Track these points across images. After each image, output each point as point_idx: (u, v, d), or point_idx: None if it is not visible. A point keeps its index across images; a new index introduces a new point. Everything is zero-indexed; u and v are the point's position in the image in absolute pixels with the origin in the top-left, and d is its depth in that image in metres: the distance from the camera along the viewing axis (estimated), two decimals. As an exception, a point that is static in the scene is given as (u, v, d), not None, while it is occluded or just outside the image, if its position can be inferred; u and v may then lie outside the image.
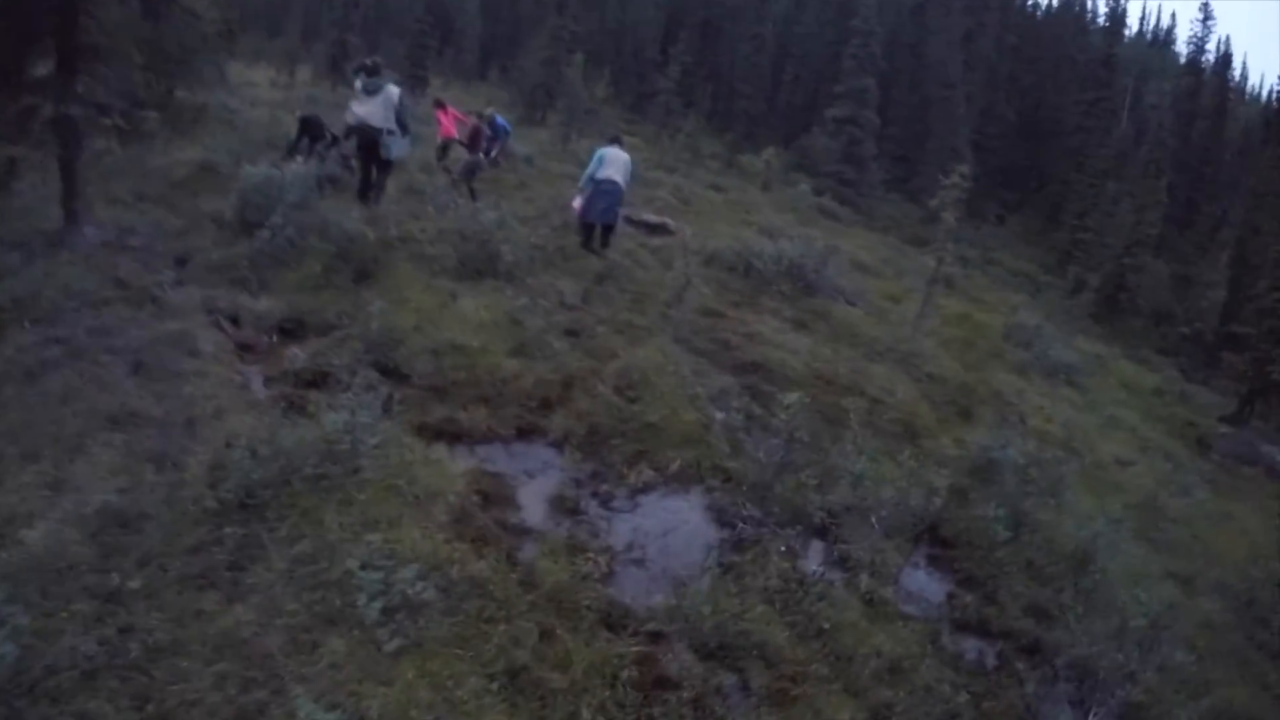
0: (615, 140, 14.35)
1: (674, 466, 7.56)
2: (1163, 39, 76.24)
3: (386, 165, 12.75)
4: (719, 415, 8.55)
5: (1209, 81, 54.15)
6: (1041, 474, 9.29)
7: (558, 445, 7.72)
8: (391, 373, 8.15)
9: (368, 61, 12.95)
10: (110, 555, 4.97)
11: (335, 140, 15.00)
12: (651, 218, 17.73)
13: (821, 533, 7.35)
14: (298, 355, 8.14)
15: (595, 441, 7.75)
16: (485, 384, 8.26)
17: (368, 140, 12.25)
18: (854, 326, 13.90)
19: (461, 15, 65.42)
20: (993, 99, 48.51)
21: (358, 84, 12.33)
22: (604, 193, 13.48)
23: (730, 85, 51.46)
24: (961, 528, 8.13)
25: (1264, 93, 66.47)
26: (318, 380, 7.75)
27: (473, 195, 15.26)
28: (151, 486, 5.59)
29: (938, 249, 16.34)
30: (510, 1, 68.12)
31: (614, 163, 13.57)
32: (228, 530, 5.24)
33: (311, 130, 15.28)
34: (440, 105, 18.98)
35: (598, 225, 13.73)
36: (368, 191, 12.78)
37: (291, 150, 15.00)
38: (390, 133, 12.16)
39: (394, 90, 12.26)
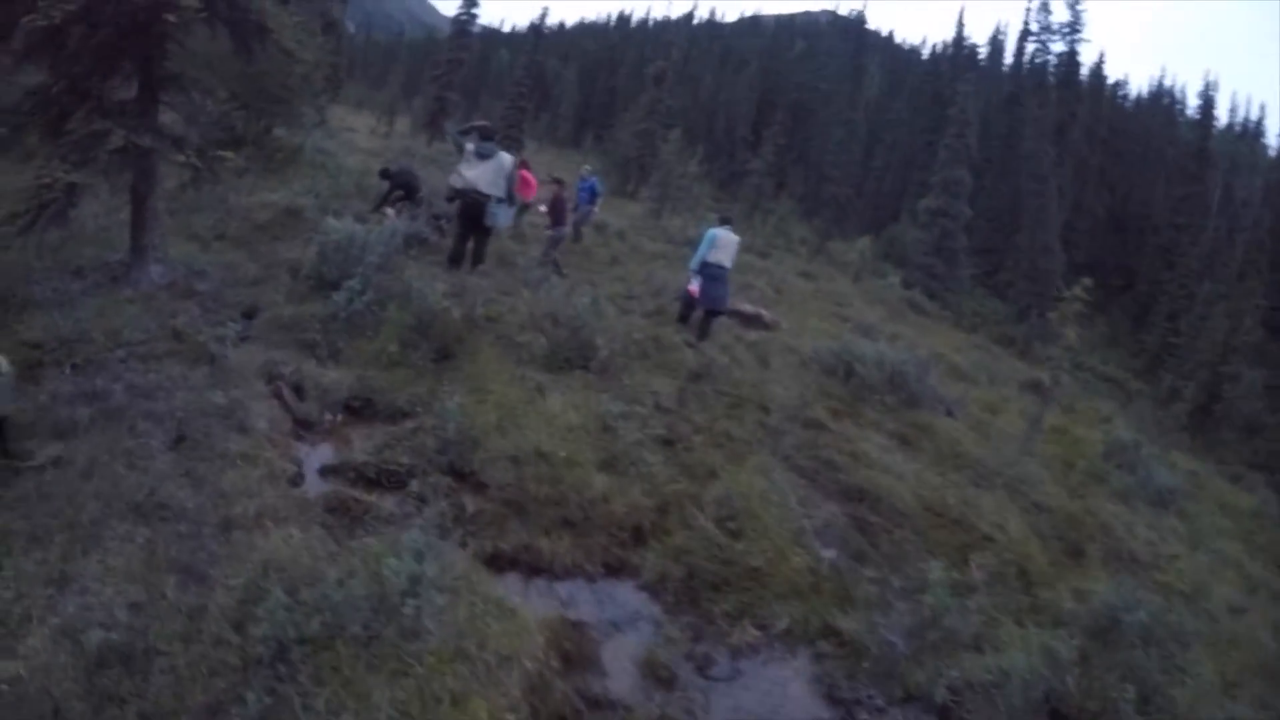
0: (727, 221, 13.65)
1: (781, 624, 6.47)
2: (1253, 131, 73.72)
3: (487, 233, 12.19)
4: (826, 554, 7.54)
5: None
6: (1165, 633, 8.07)
7: (651, 589, 6.62)
8: (466, 478, 7.20)
9: (483, 124, 12.40)
10: (105, 706, 4.14)
11: (422, 200, 14.54)
12: (747, 307, 16.93)
13: (944, 713, 6.41)
14: (361, 443, 7.40)
15: (693, 588, 6.65)
16: (571, 504, 7.14)
17: (473, 206, 11.67)
18: (957, 444, 12.70)
19: (559, 83, 66.44)
20: (1082, 192, 47.10)
21: (469, 147, 11.72)
22: (712, 278, 12.88)
23: (820, 170, 50.90)
24: (1086, 705, 7.09)
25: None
26: (382, 479, 6.86)
27: (558, 270, 14.47)
28: (169, 609, 4.73)
29: (1054, 367, 15.23)
30: (608, 73, 68.86)
31: (726, 246, 13.01)
32: (252, 692, 4.23)
33: (404, 185, 14.72)
34: (525, 166, 18.47)
35: (702, 310, 13.06)
36: (460, 259, 12.09)
37: (381, 203, 14.48)
38: (499, 201, 11.64)
39: (506, 158, 11.78)
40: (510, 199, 12.01)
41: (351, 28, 39.79)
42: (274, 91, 16.42)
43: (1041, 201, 38.79)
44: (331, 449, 7.31)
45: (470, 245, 12.23)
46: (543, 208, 16.40)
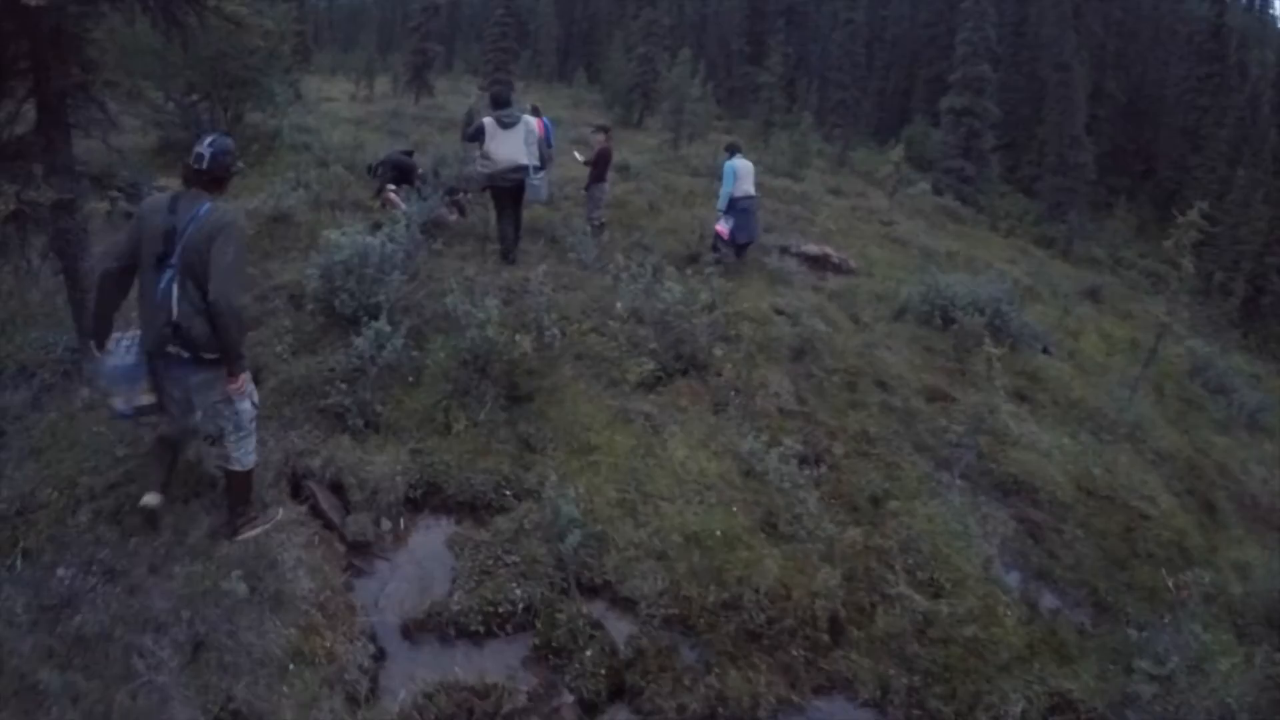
0: (736, 149, 12.67)
1: (1015, 708, 5.13)
2: (1259, 2, 69.80)
3: (520, 209, 10.21)
4: (1013, 580, 6.65)
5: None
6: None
7: (875, 705, 5.08)
8: (600, 592, 5.15)
9: (497, 88, 10.40)
10: None
11: (424, 176, 12.02)
12: (813, 248, 14.53)
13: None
14: (445, 567, 5.18)
15: (914, 688, 5.20)
16: (748, 606, 5.18)
17: (515, 187, 9.65)
18: (1068, 390, 11.89)
19: (534, 16, 62.58)
20: (1100, 78, 43.94)
21: (486, 120, 9.49)
22: (744, 210, 12.06)
23: (822, 76, 47.62)
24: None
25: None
26: (492, 626, 4.76)
27: (601, 228, 12.22)
28: None
29: (1171, 302, 13.48)
30: (584, 2, 65.06)
31: (747, 175, 12.19)
32: None
33: (396, 174, 12.03)
34: (536, 111, 15.22)
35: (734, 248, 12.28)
36: (513, 248, 10.06)
37: (379, 191, 12.06)
38: (537, 169, 9.69)
39: (531, 120, 10.01)
40: (544, 163, 10.13)
41: None
42: (237, 73, 14.19)
43: (1066, 91, 35.83)
44: (408, 585, 5.11)
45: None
46: (578, 155, 13.47)
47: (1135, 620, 6.53)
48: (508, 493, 5.75)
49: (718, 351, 8.25)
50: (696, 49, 48.84)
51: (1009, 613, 5.98)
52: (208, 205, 4.08)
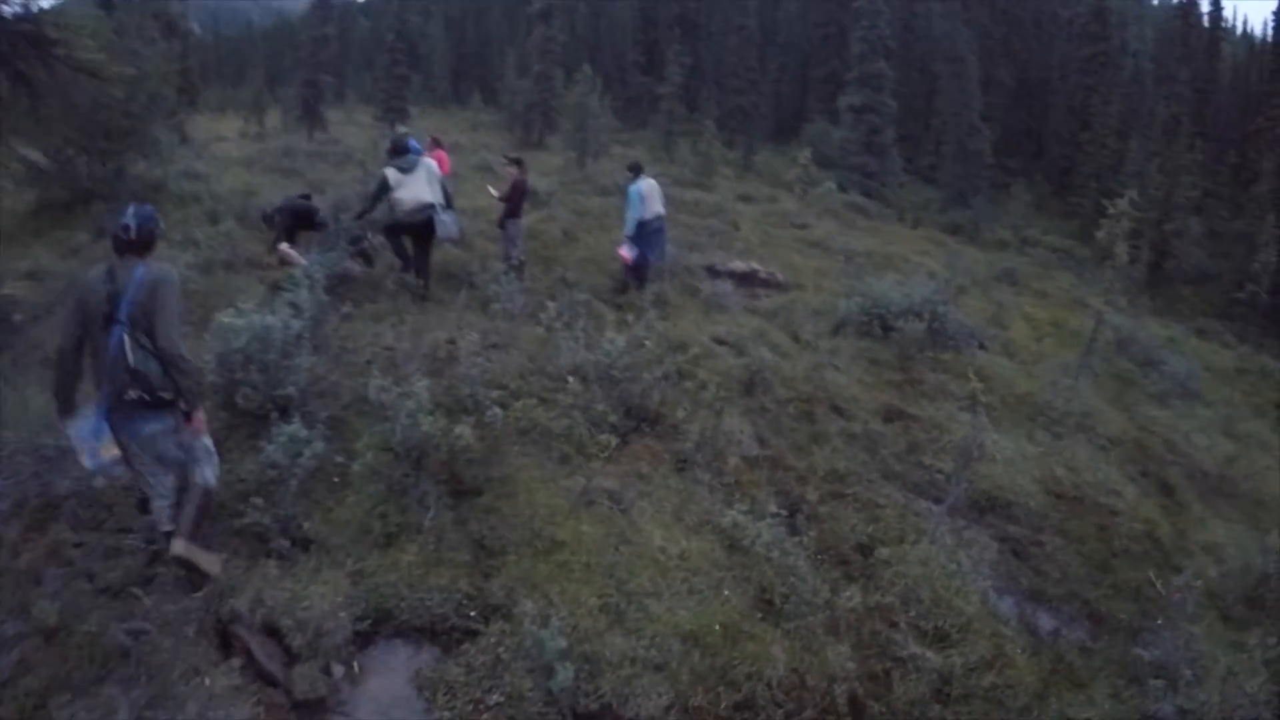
0: (640, 170, 12.18)
1: None
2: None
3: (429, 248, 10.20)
4: (1008, 607, 6.54)
5: (1195, 24, 50.88)
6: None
7: None
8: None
9: (396, 138, 10.24)
10: None
11: (324, 222, 11.10)
12: (739, 265, 13.99)
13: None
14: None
15: None
16: (763, 706, 4.62)
17: (425, 225, 9.70)
18: (1013, 386, 11.86)
19: (425, 40, 61.16)
20: (989, 65, 44.59)
21: (389, 172, 9.64)
22: (655, 231, 11.81)
23: (718, 83, 47.34)
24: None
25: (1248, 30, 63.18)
26: None
27: (520, 270, 11.26)
28: None
29: (1108, 292, 13.50)
30: (475, 20, 63.83)
31: (653, 196, 11.82)
32: None
33: (296, 220, 11.00)
34: (438, 144, 14.55)
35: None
36: (427, 278, 10.02)
37: (275, 242, 11.05)
38: (445, 208, 9.77)
39: (429, 161, 9.93)
40: (449, 202, 9.98)
41: (197, 29, 34.47)
42: (115, 122, 12.74)
43: (960, 83, 36.16)
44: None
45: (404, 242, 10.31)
46: (493, 190, 12.59)
47: (1129, 626, 6.60)
48: (472, 613, 4.91)
49: (669, 401, 7.57)
50: (592, 64, 48.39)
51: (1018, 651, 5.76)
52: (142, 267, 4.43)
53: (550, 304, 8.18)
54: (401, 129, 14.61)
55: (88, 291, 4.41)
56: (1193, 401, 15.42)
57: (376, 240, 10.88)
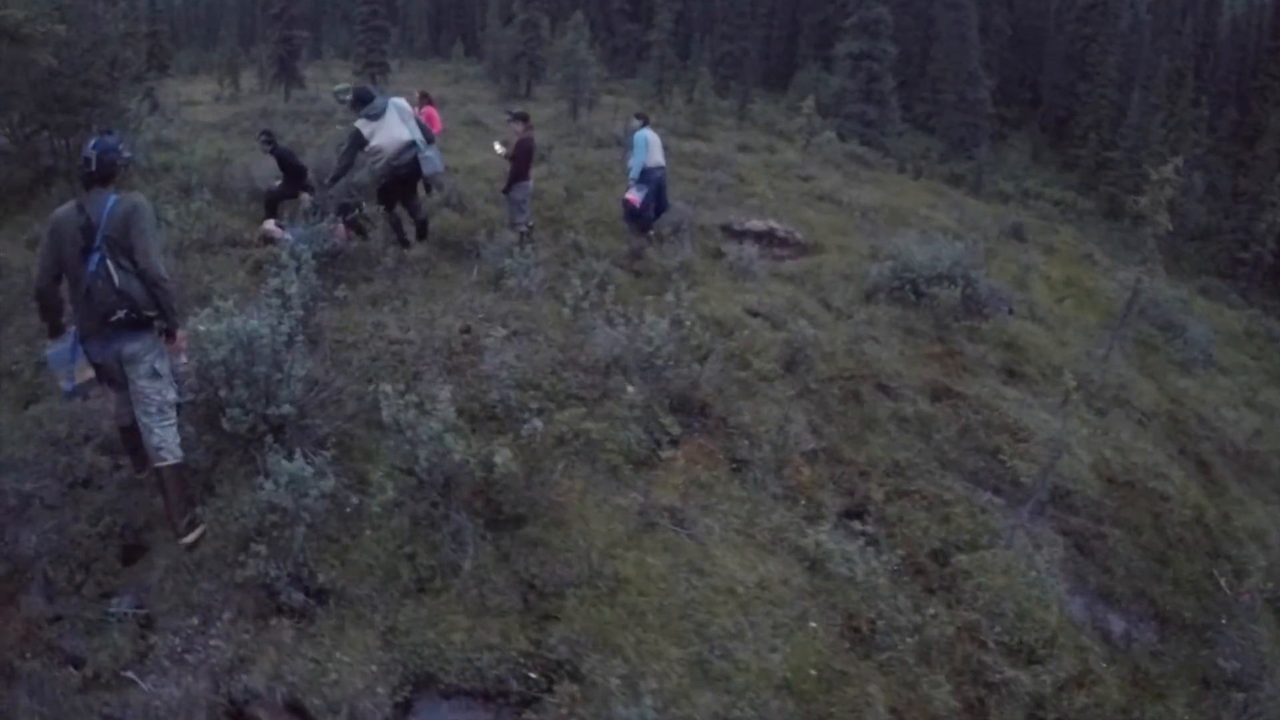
0: (645, 119, 11.78)
1: None
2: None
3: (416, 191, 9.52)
4: (1079, 609, 6.23)
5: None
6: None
7: None
8: None
9: (357, 88, 9.28)
10: None
11: (311, 185, 10.24)
12: (757, 223, 13.00)
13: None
14: None
15: None
16: None
17: (411, 164, 8.78)
18: (1048, 357, 11.22)
19: (401, -8, 59.10)
20: (987, 14, 43.44)
21: (360, 125, 8.65)
22: (658, 180, 11.43)
23: (707, 28, 45.87)
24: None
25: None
26: None
27: (527, 236, 10.25)
28: None
29: (1148, 261, 12.85)
30: (454, -32, 61.78)
31: (657, 146, 11.39)
32: None
33: (291, 182, 10.13)
34: (427, 99, 13.47)
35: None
36: (425, 234, 9.43)
37: (272, 206, 10.00)
38: (427, 142, 8.89)
39: (399, 100, 9.02)
40: (429, 137, 9.02)
41: None
42: (74, 93, 11.43)
43: (960, 29, 35.09)
44: None
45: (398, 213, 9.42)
46: (499, 146, 11.06)
47: (1195, 625, 6.48)
48: (532, 674, 4.04)
49: (715, 390, 6.67)
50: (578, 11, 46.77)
51: (1102, 664, 5.67)
52: (113, 198, 4.48)
53: (575, 280, 7.19)
54: (340, 86, 13.40)
55: (60, 226, 4.47)
56: (1211, 369, 15.09)
57: (370, 209, 9.85)
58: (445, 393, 4.87)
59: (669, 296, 7.58)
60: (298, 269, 6.71)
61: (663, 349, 6.06)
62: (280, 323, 5.29)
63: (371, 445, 5.23)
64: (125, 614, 4.14)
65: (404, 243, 9.22)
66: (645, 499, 5.05)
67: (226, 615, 4.04)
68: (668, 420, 5.95)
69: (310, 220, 8.88)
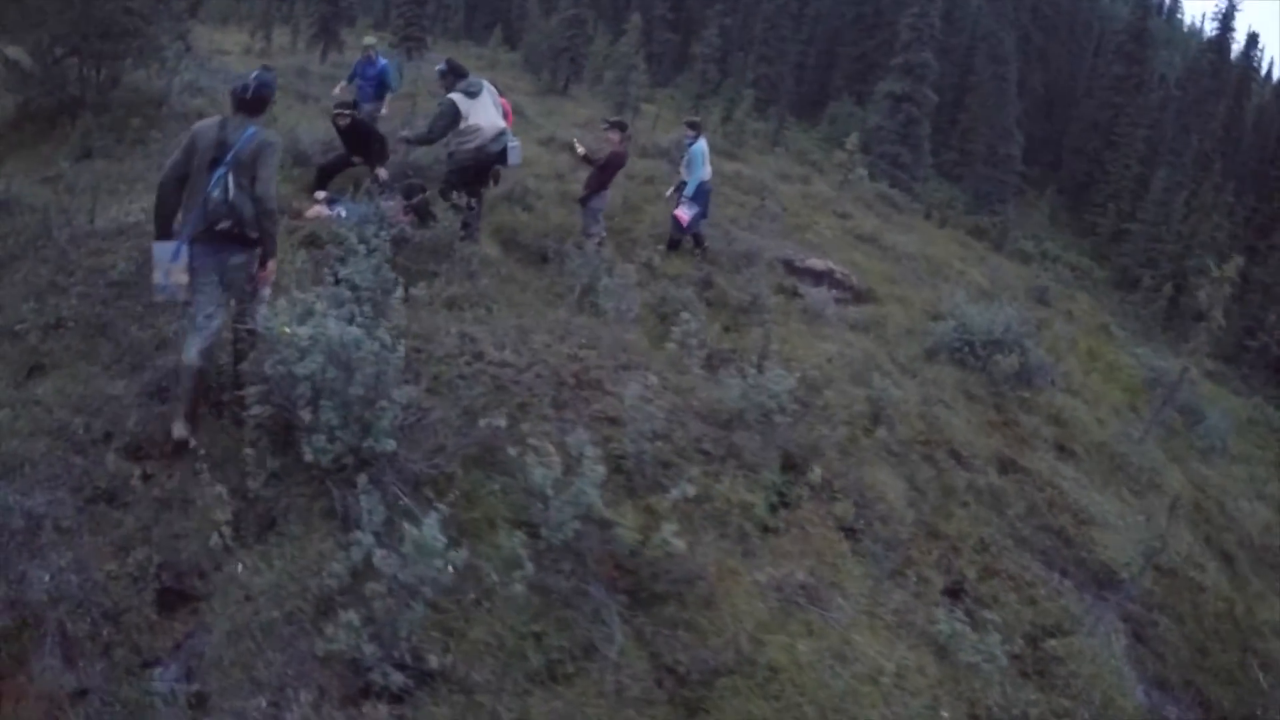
0: (699, 130, 11.34)
1: None
2: (1169, 6, 71.32)
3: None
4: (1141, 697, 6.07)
5: (1226, 60, 50.22)
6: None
7: None
8: None
9: (450, 61, 8.83)
10: None
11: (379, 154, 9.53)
12: (816, 262, 12.71)
13: None
14: None
15: None
16: None
17: (498, 155, 8.44)
18: (1090, 433, 11.06)
19: (439, -33, 58.39)
20: (1026, 72, 43.60)
21: (457, 99, 8.08)
22: (707, 193, 11.25)
23: (743, 48, 45.63)
24: None
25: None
26: None
27: (601, 247, 9.54)
28: None
29: (1195, 352, 13.43)
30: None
31: (708, 158, 11.14)
32: None
33: (364, 146, 9.49)
34: (498, 90, 12.56)
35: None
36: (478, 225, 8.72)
37: (324, 177, 9.38)
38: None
39: (485, 81, 8.57)
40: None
41: None
42: (114, 20, 10.68)
43: (1001, 85, 35.16)
44: None
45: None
46: (581, 147, 10.69)
47: (1234, 716, 6.52)
48: None
49: (819, 446, 6.34)
50: (619, 15, 46.36)
51: None
52: (253, 129, 4.75)
53: (684, 314, 6.79)
54: (369, 39, 12.91)
55: (199, 136, 4.74)
56: (1225, 457, 14.92)
57: (428, 195, 8.98)
58: (580, 436, 4.27)
59: (755, 336, 7.39)
60: (369, 254, 6.09)
61: (786, 404, 5.77)
62: (380, 335, 4.49)
63: (475, 490, 4.50)
64: (172, 690, 3.37)
65: (472, 237, 8.60)
66: (779, 573, 4.64)
67: (304, 696, 3.32)
68: (780, 480, 5.68)
69: (372, 198, 8.22)
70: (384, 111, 12.41)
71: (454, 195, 8.20)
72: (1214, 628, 7.60)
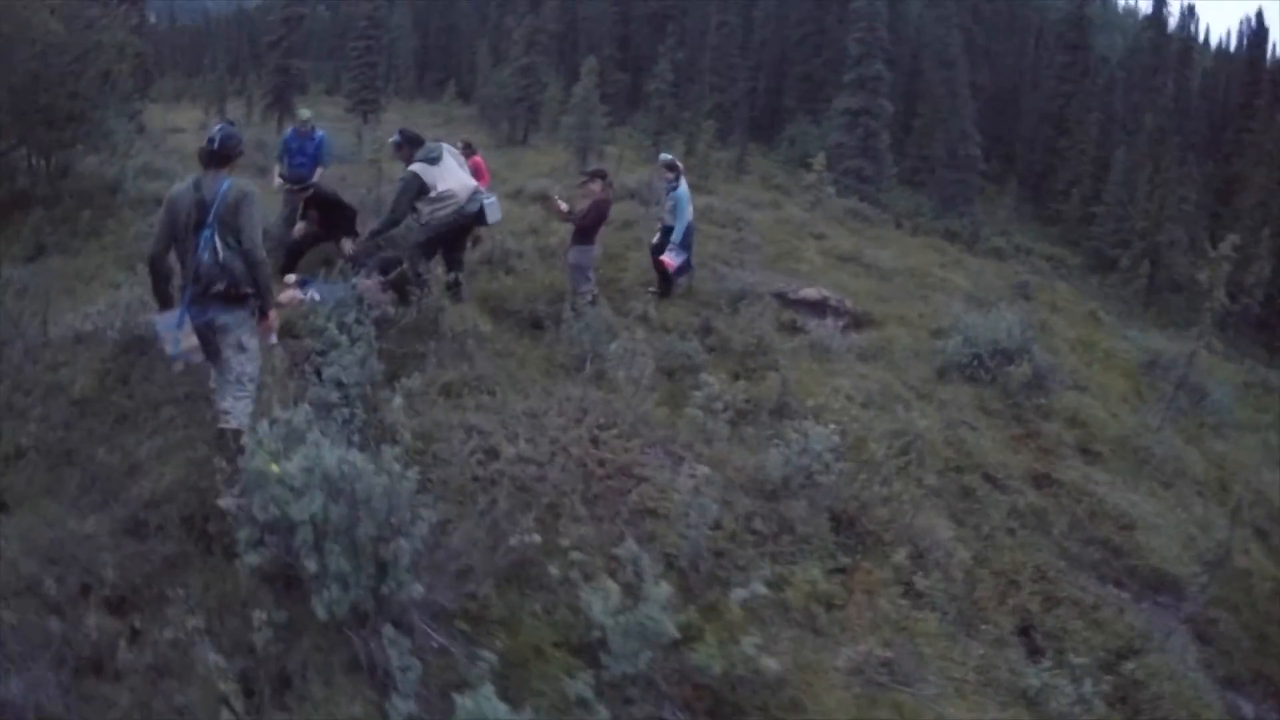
0: (678, 171, 10.82)
1: None
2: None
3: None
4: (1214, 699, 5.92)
5: (1164, 34, 50.97)
6: None
7: None
8: None
9: (405, 131, 8.22)
10: None
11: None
12: (810, 292, 12.43)
13: None
14: None
15: None
16: None
17: (475, 216, 8.00)
18: (1107, 429, 10.79)
19: (388, 32, 58.30)
20: (973, 72, 43.86)
21: (419, 169, 7.61)
22: (692, 234, 10.84)
23: (691, 79, 45.72)
24: None
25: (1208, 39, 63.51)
26: None
27: (594, 304, 9.03)
28: None
29: (1203, 335, 13.38)
30: (442, 10, 61.28)
31: (690, 200, 10.70)
32: None
33: (332, 222, 9.00)
34: (471, 150, 11.42)
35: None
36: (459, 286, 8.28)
37: (292, 258, 8.82)
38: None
39: (442, 144, 8.11)
40: None
41: (153, 18, 31.63)
42: (60, 106, 10.28)
43: (953, 87, 35.30)
44: None
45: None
46: (562, 203, 9.94)
47: None
48: None
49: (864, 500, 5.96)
50: (567, 59, 46.43)
51: None
52: (227, 181, 4.69)
53: (706, 377, 6.36)
54: (305, 112, 11.78)
55: (176, 201, 4.71)
56: (1235, 429, 14.74)
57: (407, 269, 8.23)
58: (630, 547, 3.75)
59: (771, 383, 7.05)
60: (352, 344, 5.50)
61: (832, 464, 5.40)
62: (389, 463, 3.69)
63: (514, 615, 3.96)
64: None
65: (460, 297, 8.23)
66: (857, 655, 4.25)
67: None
68: (833, 544, 5.28)
69: (346, 277, 7.54)
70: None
71: (423, 266, 7.70)
72: (1267, 610, 7.58)
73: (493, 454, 5.20)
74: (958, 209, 34.20)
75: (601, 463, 5.27)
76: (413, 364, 6.64)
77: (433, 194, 7.61)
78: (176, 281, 4.93)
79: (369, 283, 7.75)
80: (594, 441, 5.50)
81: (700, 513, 4.41)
